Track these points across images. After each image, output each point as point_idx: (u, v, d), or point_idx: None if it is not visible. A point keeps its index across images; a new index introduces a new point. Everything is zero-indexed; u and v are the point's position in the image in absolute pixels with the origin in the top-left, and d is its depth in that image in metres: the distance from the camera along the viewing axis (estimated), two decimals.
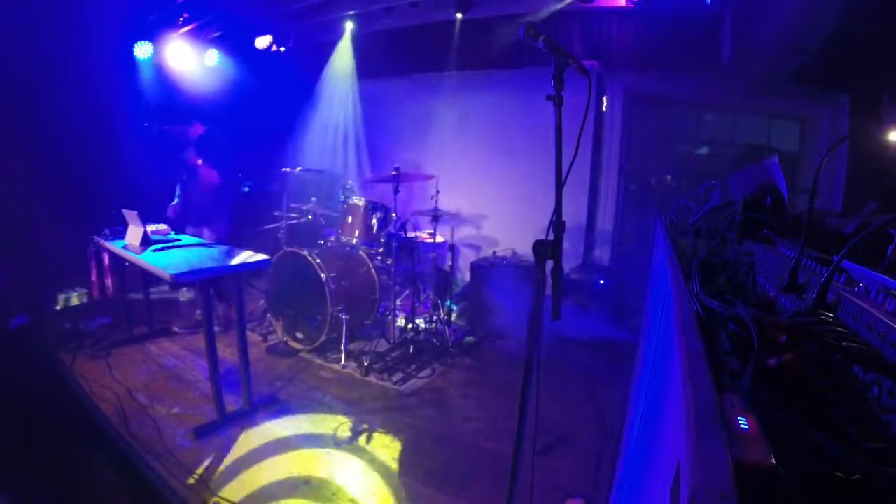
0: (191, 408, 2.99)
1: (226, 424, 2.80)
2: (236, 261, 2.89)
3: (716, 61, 4.18)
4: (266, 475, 2.43)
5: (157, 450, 2.55)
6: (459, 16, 4.84)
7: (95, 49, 4.64)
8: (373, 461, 2.58)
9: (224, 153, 4.21)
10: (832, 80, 3.79)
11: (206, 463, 2.48)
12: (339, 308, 3.66)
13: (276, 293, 4.08)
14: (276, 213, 4.68)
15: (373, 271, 4.02)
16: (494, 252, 5.18)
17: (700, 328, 0.84)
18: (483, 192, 5.53)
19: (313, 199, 4.68)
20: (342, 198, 4.28)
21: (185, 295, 4.49)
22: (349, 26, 5.57)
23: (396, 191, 3.99)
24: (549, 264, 1.40)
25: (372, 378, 3.51)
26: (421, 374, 3.60)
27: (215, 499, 2.23)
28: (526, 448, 1.47)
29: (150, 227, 3.41)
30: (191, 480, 2.33)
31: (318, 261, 3.70)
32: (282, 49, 5.87)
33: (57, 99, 4.41)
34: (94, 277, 3.72)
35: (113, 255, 3.30)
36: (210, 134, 4.10)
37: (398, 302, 4.07)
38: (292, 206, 4.69)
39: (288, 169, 4.71)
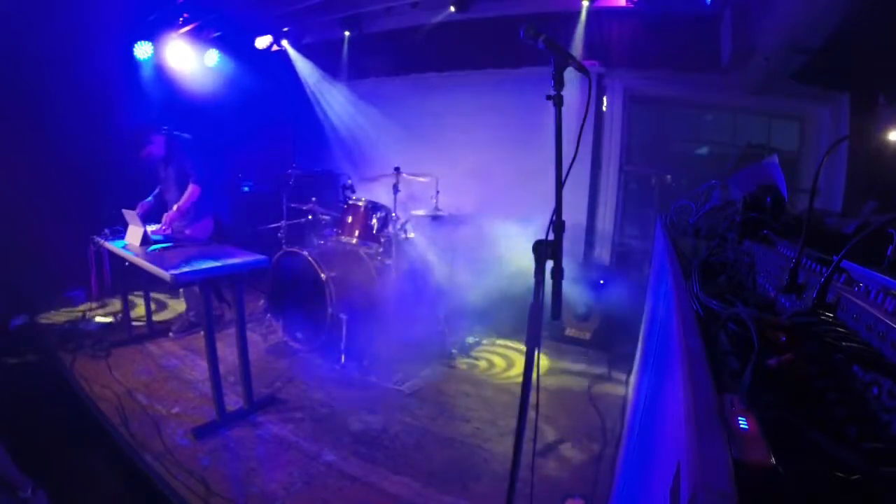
0: (191, 408, 2.99)
1: (225, 424, 2.79)
2: (236, 261, 2.88)
3: (716, 61, 4.18)
4: (265, 475, 2.43)
5: (157, 450, 2.54)
6: (456, 13, 4.83)
7: (96, 49, 4.64)
8: (373, 461, 2.58)
9: (204, 152, 3.90)
10: (832, 79, 3.79)
11: (206, 463, 2.48)
12: (339, 308, 3.66)
13: (276, 293, 4.08)
14: (276, 213, 4.67)
15: (373, 271, 4.02)
16: (494, 251, 5.15)
17: (700, 328, 0.84)
18: (483, 191, 5.51)
19: (313, 199, 4.67)
20: (342, 198, 4.28)
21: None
22: (349, 26, 5.57)
23: (396, 190, 3.99)
24: (549, 264, 1.40)
25: (372, 378, 3.51)
26: (421, 374, 3.60)
27: (215, 499, 2.23)
28: (526, 448, 1.47)
29: (150, 227, 3.42)
30: (190, 480, 2.33)
31: (318, 261, 3.70)
32: (285, 43, 5.86)
33: (57, 99, 4.41)
34: (94, 278, 3.70)
35: (113, 255, 3.30)
36: (173, 138, 3.74)
37: (397, 302, 4.06)
38: (292, 206, 4.68)
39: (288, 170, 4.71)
